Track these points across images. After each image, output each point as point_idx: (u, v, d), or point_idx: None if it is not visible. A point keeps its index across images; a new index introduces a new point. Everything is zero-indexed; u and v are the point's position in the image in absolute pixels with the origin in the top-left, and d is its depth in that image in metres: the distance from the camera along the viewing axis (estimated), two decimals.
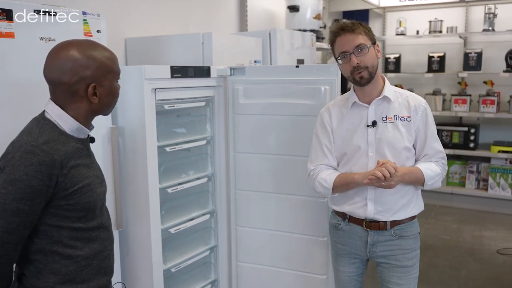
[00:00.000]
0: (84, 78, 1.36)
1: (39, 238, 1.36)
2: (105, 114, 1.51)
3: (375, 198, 1.95)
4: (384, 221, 1.96)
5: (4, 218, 1.26)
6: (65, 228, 1.37)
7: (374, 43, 1.92)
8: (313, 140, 2.11)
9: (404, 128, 1.93)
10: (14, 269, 1.41)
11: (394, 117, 1.94)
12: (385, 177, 1.78)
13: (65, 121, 1.38)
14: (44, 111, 1.40)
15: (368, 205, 1.96)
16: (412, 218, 2.02)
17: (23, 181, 1.26)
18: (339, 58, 1.92)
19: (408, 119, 1.94)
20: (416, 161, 1.99)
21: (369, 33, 1.91)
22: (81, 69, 1.35)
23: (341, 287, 2.14)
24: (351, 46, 1.87)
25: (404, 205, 1.97)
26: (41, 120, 1.37)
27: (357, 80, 1.91)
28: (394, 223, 1.97)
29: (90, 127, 1.48)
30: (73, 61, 1.35)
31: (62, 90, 1.37)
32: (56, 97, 1.39)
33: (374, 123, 1.95)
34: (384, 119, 1.95)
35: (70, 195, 1.34)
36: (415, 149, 1.98)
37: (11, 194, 1.26)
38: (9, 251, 1.30)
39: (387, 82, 2.00)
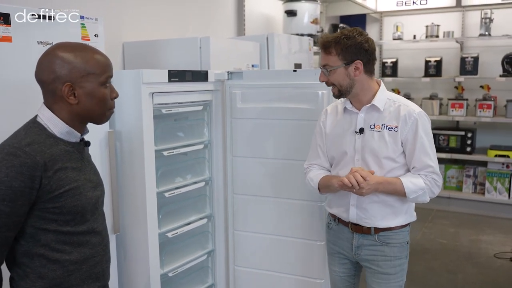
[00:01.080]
0: (60, 77, 1.34)
1: (26, 240, 1.35)
2: (96, 121, 1.47)
3: (358, 204, 1.97)
4: (368, 227, 1.98)
5: None
6: (52, 232, 1.35)
7: (350, 61, 1.87)
8: (312, 138, 2.16)
9: (390, 138, 1.91)
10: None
11: (382, 126, 1.92)
12: (352, 184, 1.80)
13: (54, 124, 1.37)
14: (36, 115, 1.40)
15: (350, 210, 1.99)
16: (401, 226, 1.99)
17: (4, 183, 1.25)
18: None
19: (396, 129, 1.90)
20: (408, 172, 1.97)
21: (345, 51, 1.86)
22: (58, 67, 1.34)
23: (334, 287, 2.18)
24: (321, 63, 1.96)
25: (389, 214, 1.96)
26: (30, 124, 1.37)
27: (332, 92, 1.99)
28: (379, 229, 1.97)
29: (83, 131, 1.46)
30: (54, 59, 1.34)
31: (44, 89, 1.38)
32: (44, 98, 1.40)
33: (361, 130, 1.95)
34: (372, 127, 1.94)
35: (55, 197, 1.32)
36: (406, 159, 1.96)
37: None
38: None
39: (380, 89, 1.96)
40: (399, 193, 1.90)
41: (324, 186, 2.02)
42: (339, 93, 1.94)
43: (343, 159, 2.00)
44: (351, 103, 2.00)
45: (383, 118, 1.93)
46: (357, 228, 2.00)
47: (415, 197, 1.89)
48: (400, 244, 1.99)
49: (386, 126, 1.92)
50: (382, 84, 1.99)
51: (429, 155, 1.90)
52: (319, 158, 2.09)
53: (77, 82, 1.36)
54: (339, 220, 2.07)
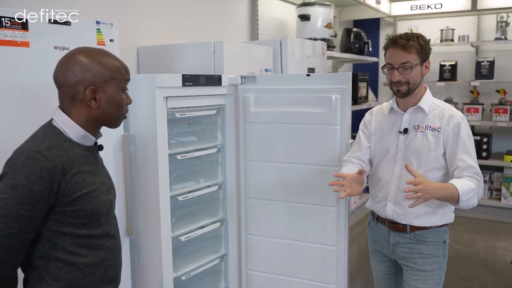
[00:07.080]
0: (84, 80, 1.36)
1: (42, 244, 1.36)
2: (111, 125, 1.49)
3: (395, 200, 2.04)
4: (403, 224, 2.04)
5: (5, 223, 1.27)
6: (69, 235, 1.37)
7: (424, 60, 1.98)
8: (357, 135, 2.26)
9: (433, 138, 1.99)
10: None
11: (425, 127, 2.01)
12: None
13: (70, 128, 1.39)
14: (52, 119, 1.42)
15: (388, 206, 2.07)
16: (437, 226, 2.04)
17: (24, 186, 1.27)
18: (384, 67, 2.03)
19: (439, 129, 1.99)
20: (448, 174, 2.01)
21: (421, 50, 1.95)
22: (83, 71, 1.36)
23: (377, 285, 2.26)
24: (397, 62, 1.95)
25: (426, 213, 2.01)
26: (47, 127, 1.39)
27: (394, 92, 2.02)
28: (414, 228, 2.03)
29: (96, 135, 1.48)
30: (77, 63, 1.37)
31: (64, 92, 1.39)
32: (61, 101, 1.41)
33: (405, 131, 2.04)
34: (416, 128, 2.03)
35: (73, 201, 1.34)
36: (446, 161, 2.00)
37: (12, 199, 1.26)
38: (11, 256, 1.30)
39: (427, 93, 2.06)
40: (453, 198, 1.88)
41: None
42: (408, 91, 1.98)
43: (385, 157, 2.09)
44: (397, 104, 2.09)
45: (427, 120, 2.02)
46: (393, 226, 2.07)
47: (466, 199, 1.88)
48: (436, 242, 2.04)
49: (430, 127, 2.01)
50: (428, 89, 2.08)
51: (472, 156, 1.96)
52: (359, 151, 2.18)
53: (100, 86, 1.39)
54: (377, 219, 2.16)
